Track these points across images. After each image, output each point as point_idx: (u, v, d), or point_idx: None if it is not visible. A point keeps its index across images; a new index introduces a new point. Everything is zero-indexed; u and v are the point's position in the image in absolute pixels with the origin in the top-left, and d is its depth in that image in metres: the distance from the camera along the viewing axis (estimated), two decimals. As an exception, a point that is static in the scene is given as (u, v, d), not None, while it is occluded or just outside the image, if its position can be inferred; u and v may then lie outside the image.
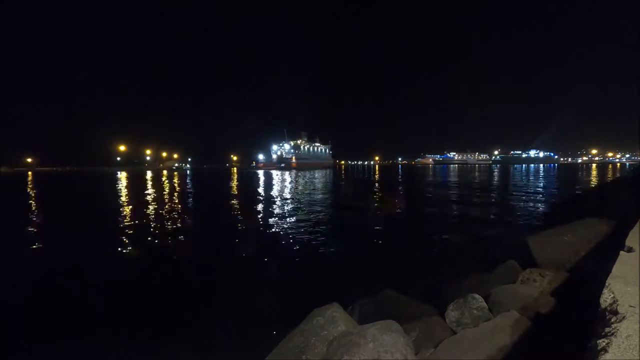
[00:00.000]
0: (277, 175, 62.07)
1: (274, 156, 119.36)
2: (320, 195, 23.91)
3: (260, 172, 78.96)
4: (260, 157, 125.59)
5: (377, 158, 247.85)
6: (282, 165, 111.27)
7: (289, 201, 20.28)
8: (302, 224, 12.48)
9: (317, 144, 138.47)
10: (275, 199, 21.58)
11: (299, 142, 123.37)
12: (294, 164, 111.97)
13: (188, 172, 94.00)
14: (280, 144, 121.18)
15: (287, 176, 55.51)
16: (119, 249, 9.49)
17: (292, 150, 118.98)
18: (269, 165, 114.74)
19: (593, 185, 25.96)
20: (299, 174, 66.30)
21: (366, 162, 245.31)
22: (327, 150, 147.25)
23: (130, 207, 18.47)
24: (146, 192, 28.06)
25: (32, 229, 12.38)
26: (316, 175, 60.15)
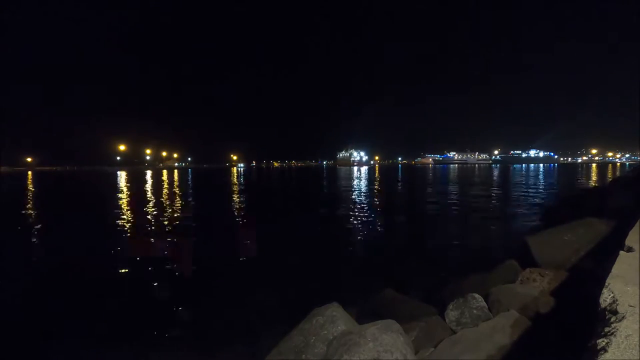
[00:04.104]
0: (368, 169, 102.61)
1: (358, 158, 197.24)
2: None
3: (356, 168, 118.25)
4: (357, 158, 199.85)
5: (376, 157, 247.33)
6: (367, 164, 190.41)
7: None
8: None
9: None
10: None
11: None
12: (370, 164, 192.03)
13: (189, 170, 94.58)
14: (358, 151, 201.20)
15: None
16: (118, 248, 9.49)
17: (366, 155, 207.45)
18: (358, 164, 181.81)
19: (593, 185, 25.96)
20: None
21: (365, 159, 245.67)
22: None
23: (130, 206, 18.47)
24: (150, 191, 28.07)
25: (31, 229, 12.38)
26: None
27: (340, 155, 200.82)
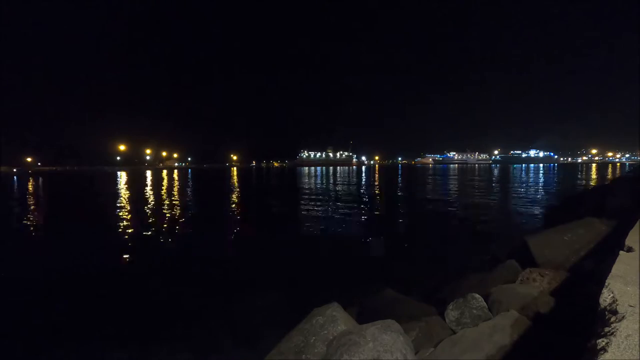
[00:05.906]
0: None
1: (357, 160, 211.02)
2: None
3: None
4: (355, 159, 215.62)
5: (377, 157, 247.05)
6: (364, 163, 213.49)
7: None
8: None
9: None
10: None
11: None
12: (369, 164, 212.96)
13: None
14: (356, 154, 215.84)
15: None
16: (118, 248, 9.48)
17: (357, 156, 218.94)
18: (360, 164, 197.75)
19: (593, 185, 25.96)
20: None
21: (366, 161, 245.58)
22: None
23: (129, 206, 18.46)
24: (149, 191, 28.06)
25: (32, 229, 12.38)
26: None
27: (303, 155, 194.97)
